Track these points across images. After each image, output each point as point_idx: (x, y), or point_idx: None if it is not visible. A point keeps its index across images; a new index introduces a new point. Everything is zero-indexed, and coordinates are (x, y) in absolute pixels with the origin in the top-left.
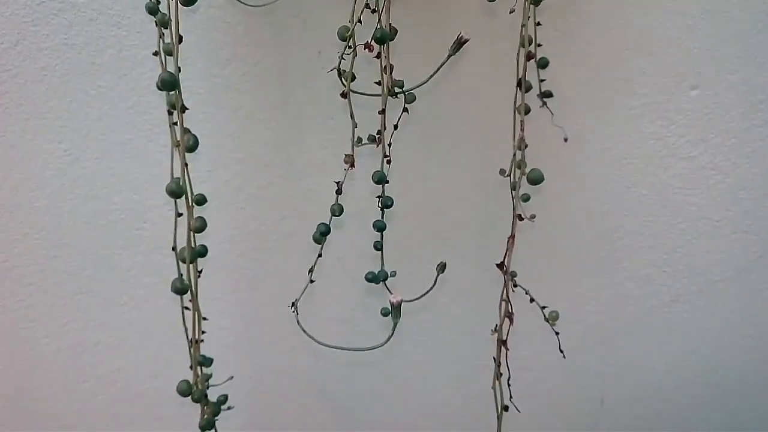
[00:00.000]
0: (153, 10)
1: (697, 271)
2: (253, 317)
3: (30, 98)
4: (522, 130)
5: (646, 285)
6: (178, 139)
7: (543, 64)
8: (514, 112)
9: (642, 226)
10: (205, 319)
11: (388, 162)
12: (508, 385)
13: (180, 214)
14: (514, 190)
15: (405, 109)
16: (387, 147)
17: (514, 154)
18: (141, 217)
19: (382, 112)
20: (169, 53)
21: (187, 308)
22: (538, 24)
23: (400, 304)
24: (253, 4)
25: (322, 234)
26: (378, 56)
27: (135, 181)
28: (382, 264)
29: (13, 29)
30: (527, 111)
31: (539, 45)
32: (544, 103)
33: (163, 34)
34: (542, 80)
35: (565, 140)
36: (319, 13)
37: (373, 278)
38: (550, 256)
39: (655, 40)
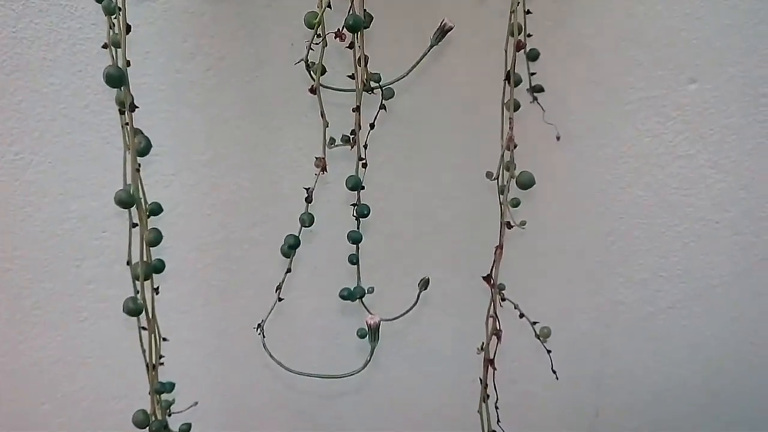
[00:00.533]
0: None
1: (696, 275)
2: (224, 331)
3: None
4: (511, 128)
5: (642, 290)
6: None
7: (533, 56)
8: (503, 108)
9: (637, 228)
10: (165, 339)
11: (364, 166)
12: (496, 407)
13: (134, 225)
14: (502, 194)
15: (382, 106)
16: (363, 149)
17: (502, 155)
18: (100, 225)
19: (357, 109)
20: (117, 45)
21: (144, 328)
22: (528, 12)
23: (377, 326)
24: None
25: (290, 247)
26: (351, 46)
27: (93, 187)
28: (358, 279)
29: None
30: (517, 107)
31: (529, 35)
32: (535, 99)
33: (114, 24)
34: (532, 73)
35: (558, 139)
36: (291, 1)
37: (348, 295)
38: (539, 260)
39: (651, 30)
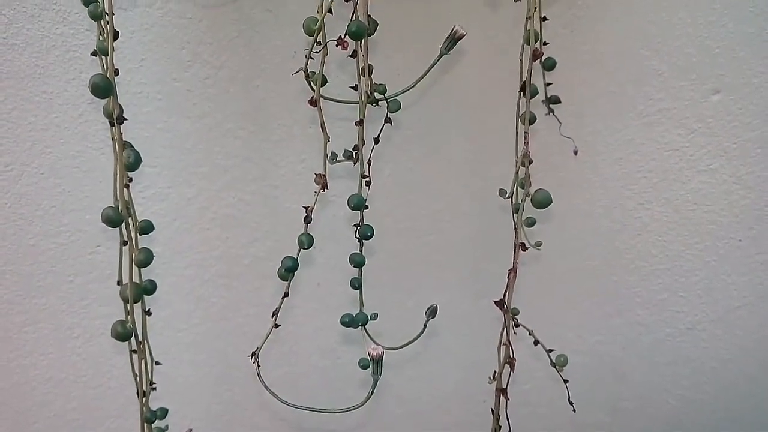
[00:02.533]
0: (88, 0)
1: (717, 295)
2: (222, 351)
3: None
4: (526, 143)
5: (661, 311)
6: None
7: (549, 65)
8: (517, 121)
9: (656, 246)
10: (158, 363)
11: (367, 184)
12: None
13: (125, 242)
14: (517, 213)
15: (387, 120)
16: (366, 165)
17: (517, 171)
18: (94, 239)
19: (360, 123)
20: (105, 52)
21: (135, 352)
22: (544, 19)
23: (381, 357)
24: None
25: (288, 270)
26: (354, 55)
27: (86, 200)
28: (361, 305)
29: None
30: (532, 120)
31: (545, 43)
32: (551, 111)
33: (104, 29)
34: (548, 84)
35: (575, 153)
36: (294, 6)
37: (350, 322)
38: (552, 279)
39: (673, 38)
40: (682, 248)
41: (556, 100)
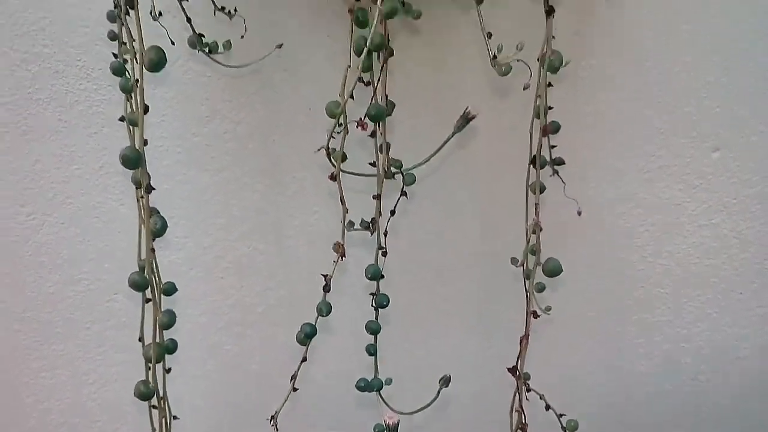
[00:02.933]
0: (118, 71)
1: (719, 347)
2: (235, 398)
3: None
4: (537, 213)
5: (664, 362)
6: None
7: (554, 128)
8: (527, 191)
9: (659, 299)
10: (176, 418)
11: (384, 254)
12: None
13: (148, 300)
14: (528, 280)
15: (403, 193)
16: (383, 236)
17: (528, 240)
18: (112, 287)
19: (377, 197)
20: (134, 123)
21: (155, 407)
22: (550, 85)
23: (396, 426)
24: (235, 65)
25: (306, 336)
26: (373, 135)
27: (105, 249)
28: (376, 371)
29: None
30: (542, 190)
31: (550, 108)
32: (555, 172)
33: (131, 98)
34: (553, 146)
35: (579, 214)
36: (310, 65)
37: (365, 387)
38: (557, 331)
39: (673, 97)
40: (685, 300)
41: (560, 162)
